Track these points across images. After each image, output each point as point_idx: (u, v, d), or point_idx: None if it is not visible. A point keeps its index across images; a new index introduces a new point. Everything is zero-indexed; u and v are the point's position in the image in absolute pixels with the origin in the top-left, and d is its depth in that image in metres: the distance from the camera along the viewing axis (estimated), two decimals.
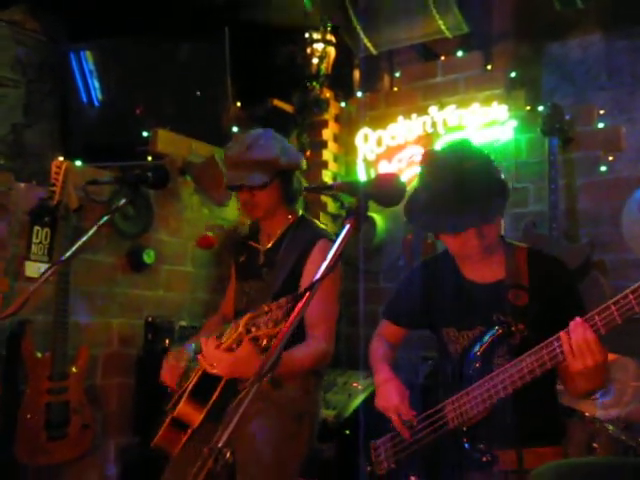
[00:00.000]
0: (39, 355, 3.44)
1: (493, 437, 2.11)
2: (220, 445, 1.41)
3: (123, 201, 2.69)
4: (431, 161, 2.29)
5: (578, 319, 1.89)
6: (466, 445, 2.14)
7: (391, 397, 2.37)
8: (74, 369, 3.57)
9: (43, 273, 2.36)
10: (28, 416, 3.37)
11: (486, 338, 2.19)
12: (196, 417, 2.51)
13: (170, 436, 2.60)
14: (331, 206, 5.37)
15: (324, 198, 5.33)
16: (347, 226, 1.79)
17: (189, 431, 2.58)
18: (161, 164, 3.07)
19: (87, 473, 3.86)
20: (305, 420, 2.68)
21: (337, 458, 4.17)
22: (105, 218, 2.66)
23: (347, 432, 4.21)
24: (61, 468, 3.65)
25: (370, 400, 3.89)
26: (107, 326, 4.03)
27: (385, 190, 1.85)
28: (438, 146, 4.49)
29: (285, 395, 2.61)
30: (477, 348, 2.20)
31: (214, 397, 2.51)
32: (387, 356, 2.58)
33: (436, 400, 2.28)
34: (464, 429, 2.15)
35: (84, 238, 2.51)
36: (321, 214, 5.30)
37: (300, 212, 2.89)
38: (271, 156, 2.68)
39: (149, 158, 4.22)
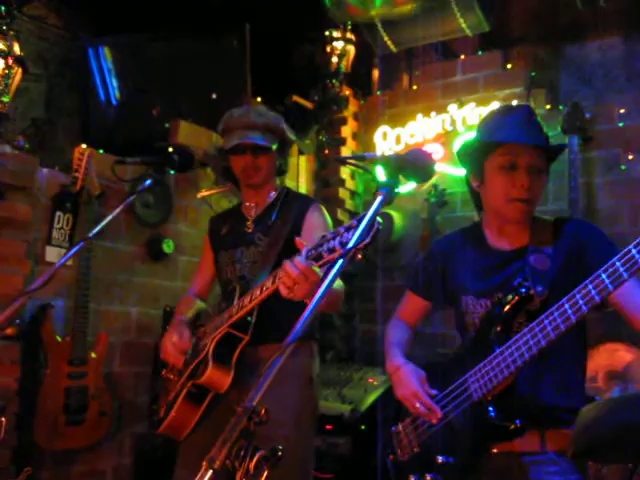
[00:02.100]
0: (59, 339, 3.46)
1: (519, 407, 2.05)
2: (254, 403, 1.41)
3: (149, 182, 2.71)
4: (494, 110, 2.34)
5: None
6: (492, 413, 2.06)
7: (409, 383, 2.27)
8: (93, 355, 3.58)
9: (69, 250, 2.36)
10: (47, 400, 3.38)
11: (505, 304, 2.11)
12: (225, 380, 2.52)
13: (186, 410, 2.61)
14: (349, 182, 5.38)
15: (343, 174, 5.33)
16: (379, 197, 1.78)
17: (209, 398, 2.58)
18: (186, 147, 3.08)
19: (102, 460, 3.87)
20: (314, 384, 2.76)
21: (353, 453, 4.17)
22: (131, 197, 2.68)
23: (363, 427, 4.20)
24: (77, 454, 3.67)
25: (386, 395, 3.89)
26: (126, 314, 4.04)
27: (416, 165, 1.85)
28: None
29: (296, 362, 2.64)
30: (495, 315, 2.14)
31: (235, 358, 2.54)
32: (401, 341, 2.50)
33: (457, 375, 2.19)
34: (489, 399, 2.07)
35: (109, 217, 2.54)
36: (339, 210, 5.31)
37: (285, 186, 3.00)
38: (277, 123, 2.82)
39: (170, 149, 4.22)
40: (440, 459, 2.16)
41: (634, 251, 1.75)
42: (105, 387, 3.63)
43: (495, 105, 4.79)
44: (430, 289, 2.50)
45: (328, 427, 4.14)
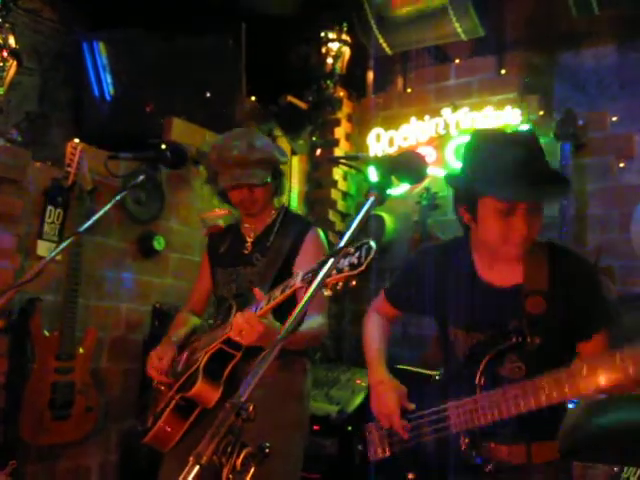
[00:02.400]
0: (47, 334, 3.44)
1: (498, 434, 2.04)
2: (243, 399, 1.41)
3: (141, 177, 2.72)
4: (490, 137, 2.10)
5: None
6: (468, 452, 2.06)
7: (387, 402, 2.26)
8: (81, 350, 3.57)
9: (59, 244, 2.36)
10: (34, 394, 3.37)
11: (498, 345, 2.07)
12: (213, 395, 2.55)
13: (173, 422, 2.63)
14: (341, 183, 5.39)
15: (336, 176, 5.33)
16: (371, 198, 1.79)
17: (196, 413, 2.60)
18: (179, 144, 3.08)
19: (88, 456, 3.86)
20: (305, 402, 2.79)
21: (340, 454, 4.17)
22: (123, 192, 2.70)
23: (350, 428, 4.21)
24: (62, 449, 3.65)
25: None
26: (115, 310, 4.03)
27: (410, 166, 1.86)
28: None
29: (288, 377, 2.71)
30: (487, 353, 2.08)
31: (226, 374, 2.56)
32: (382, 348, 2.46)
33: (439, 398, 2.18)
34: (466, 433, 2.07)
35: (101, 212, 2.55)
36: (330, 212, 5.32)
37: (285, 205, 3.02)
38: (270, 154, 2.81)
39: (163, 146, 4.22)
40: (411, 476, 2.19)
41: None
42: (92, 383, 3.61)
43: (489, 110, 4.81)
44: (404, 302, 2.47)
45: (315, 428, 4.15)
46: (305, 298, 1.53)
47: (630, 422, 1.28)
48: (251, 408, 1.40)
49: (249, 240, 2.90)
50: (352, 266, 1.86)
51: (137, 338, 4.08)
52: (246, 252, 2.87)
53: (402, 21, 5.00)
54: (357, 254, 1.85)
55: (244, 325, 2.30)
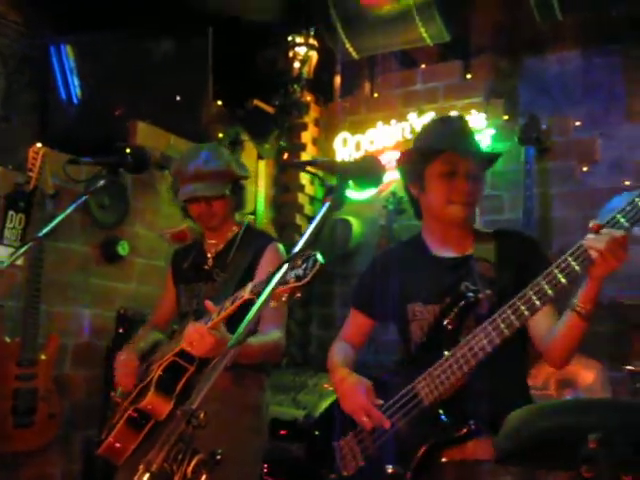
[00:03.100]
0: (8, 340, 3.40)
1: (471, 410, 2.03)
2: (194, 406, 1.41)
3: (102, 182, 2.69)
4: (432, 120, 2.53)
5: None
6: (442, 417, 2.05)
7: (355, 395, 2.24)
8: (43, 356, 3.53)
9: (19, 249, 2.33)
10: None
11: (454, 307, 2.13)
12: (164, 408, 2.54)
13: (125, 435, 2.61)
14: (308, 188, 5.39)
15: (303, 180, 5.34)
16: (327, 204, 1.79)
17: (149, 426, 2.59)
18: (141, 148, 3.05)
19: (51, 465, 3.81)
20: (262, 414, 2.78)
21: (306, 458, 4.16)
22: (84, 197, 2.66)
23: (317, 433, 4.20)
24: (25, 457, 3.60)
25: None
26: (78, 316, 3.99)
27: (366, 171, 1.87)
28: None
29: (243, 391, 2.70)
30: (445, 319, 2.14)
31: (179, 388, 2.56)
32: (346, 359, 2.46)
33: (402, 385, 2.16)
34: (439, 403, 2.06)
35: (60, 216, 2.51)
36: (297, 216, 5.32)
37: (246, 221, 3.03)
38: (227, 166, 2.81)
39: (127, 150, 4.18)
40: (390, 469, 2.11)
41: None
42: (55, 389, 3.57)
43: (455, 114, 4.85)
44: (373, 303, 2.49)
45: (282, 432, 4.14)
46: (253, 309, 1.52)
47: (574, 426, 1.29)
48: (202, 415, 1.40)
49: (210, 256, 2.90)
50: (297, 278, 1.86)
51: (101, 344, 4.04)
52: (207, 268, 2.87)
53: (369, 26, 5.01)
54: (303, 266, 1.85)
55: (195, 336, 2.33)
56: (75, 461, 3.96)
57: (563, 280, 1.84)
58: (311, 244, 1.73)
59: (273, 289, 1.60)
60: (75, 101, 4.54)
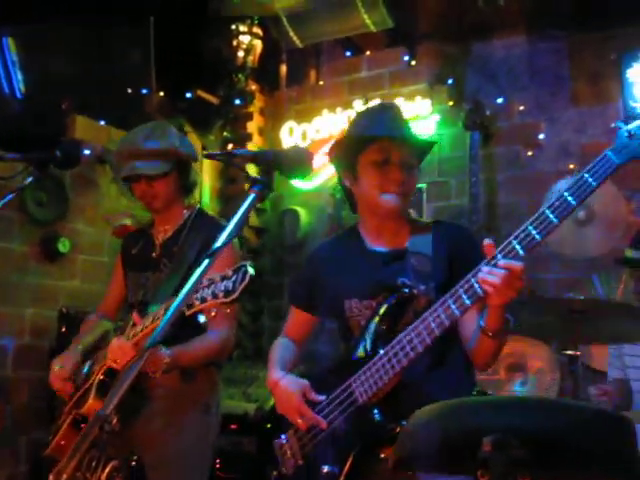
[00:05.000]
0: None
1: (405, 409, 2.03)
2: (107, 412, 1.36)
3: (29, 180, 2.60)
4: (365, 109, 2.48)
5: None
6: (377, 417, 2.01)
7: (289, 398, 2.18)
8: None
9: None
10: None
11: (390, 303, 2.09)
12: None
13: (70, 437, 2.53)
14: (252, 170, 5.32)
15: (250, 171, 5.27)
16: (252, 195, 1.75)
17: None
18: (72, 143, 2.96)
19: None
20: (212, 411, 2.71)
21: (258, 452, 4.13)
22: (9, 196, 2.56)
23: (268, 426, 4.16)
24: None
25: None
26: (18, 316, 3.90)
27: (293, 161, 1.82)
28: None
29: (192, 388, 2.63)
30: (380, 315, 2.09)
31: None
32: (283, 358, 2.42)
33: (342, 380, 2.11)
34: (374, 402, 2.02)
35: None
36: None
37: (197, 205, 2.92)
38: (169, 146, 2.70)
39: (57, 145, 4.08)
40: (325, 469, 2.06)
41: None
42: None
43: (399, 102, 4.81)
44: (311, 299, 2.44)
45: (233, 426, 4.10)
46: (166, 316, 1.48)
47: (477, 429, 1.25)
48: (115, 421, 1.35)
49: (157, 243, 2.80)
50: (227, 292, 1.79)
51: (44, 344, 3.95)
52: (155, 256, 2.77)
53: (312, 14, 4.97)
54: (233, 277, 1.79)
55: (118, 353, 2.31)
56: (21, 463, 3.88)
57: (468, 302, 1.82)
58: (233, 235, 1.69)
59: (193, 288, 1.56)
60: (19, 95, 4.42)
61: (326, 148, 5.02)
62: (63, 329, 3.93)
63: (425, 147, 2.35)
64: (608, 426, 1.23)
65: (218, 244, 1.64)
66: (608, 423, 1.27)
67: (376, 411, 2.03)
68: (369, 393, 2.03)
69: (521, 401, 1.52)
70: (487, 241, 1.82)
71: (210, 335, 2.56)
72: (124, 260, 2.91)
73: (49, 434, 2.69)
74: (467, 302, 1.84)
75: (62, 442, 2.55)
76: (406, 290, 2.08)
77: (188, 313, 1.75)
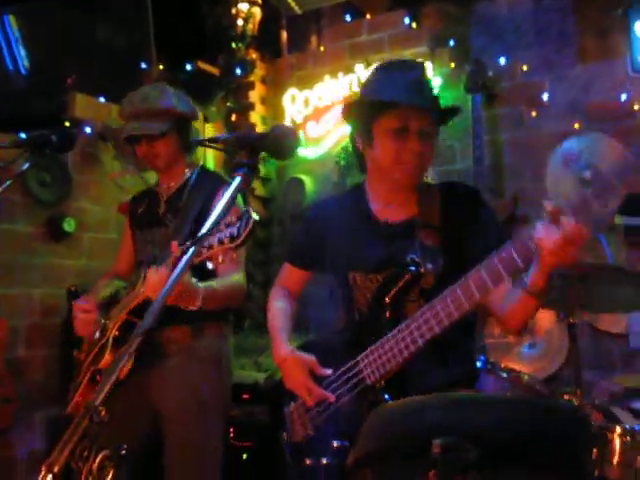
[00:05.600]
0: None
1: (414, 388, 1.96)
2: (97, 403, 1.38)
3: (26, 165, 2.61)
4: (383, 64, 2.21)
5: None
6: (385, 397, 2.02)
7: (297, 374, 2.21)
8: None
9: None
10: None
11: (397, 281, 2.05)
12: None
13: (90, 393, 2.60)
14: (261, 169, 5.30)
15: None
16: (237, 179, 1.74)
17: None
18: (68, 126, 2.96)
19: (13, 447, 3.79)
20: (223, 364, 2.79)
21: (270, 421, 4.17)
22: (8, 182, 2.58)
23: (278, 395, 4.20)
24: None
25: None
26: (28, 297, 3.93)
27: (277, 141, 1.81)
28: None
29: (203, 344, 2.71)
30: (387, 293, 2.07)
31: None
32: (285, 322, 2.43)
33: (349, 355, 2.13)
34: (383, 383, 2.03)
35: None
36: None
37: (200, 162, 3.00)
38: (168, 105, 2.75)
39: (67, 123, 4.09)
40: (336, 444, 2.10)
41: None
42: (7, 373, 3.54)
43: None
44: (310, 259, 2.43)
45: (245, 396, 4.14)
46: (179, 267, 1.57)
47: (427, 430, 1.24)
48: (103, 412, 1.37)
49: (162, 200, 2.87)
50: (232, 238, 1.80)
51: (55, 322, 4.00)
52: (160, 213, 2.84)
53: None
54: (237, 224, 1.79)
55: (155, 279, 2.30)
56: (38, 442, 3.95)
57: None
58: (220, 221, 1.70)
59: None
60: (24, 72, 4.41)
61: (329, 115, 5.02)
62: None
63: (448, 114, 2.20)
64: (561, 423, 1.22)
65: (204, 231, 1.65)
66: (561, 420, 1.25)
67: (384, 391, 2.04)
68: (377, 375, 2.04)
69: (470, 400, 1.50)
70: (548, 204, 1.75)
71: (224, 277, 2.63)
72: (131, 221, 2.99)
73: (64, 409, 2.74)
74: (477, 294, 1.81)
75: (84, 398, 2.62)
76: (413, 268, 2.04)
77: (197, 260, 1.77)
